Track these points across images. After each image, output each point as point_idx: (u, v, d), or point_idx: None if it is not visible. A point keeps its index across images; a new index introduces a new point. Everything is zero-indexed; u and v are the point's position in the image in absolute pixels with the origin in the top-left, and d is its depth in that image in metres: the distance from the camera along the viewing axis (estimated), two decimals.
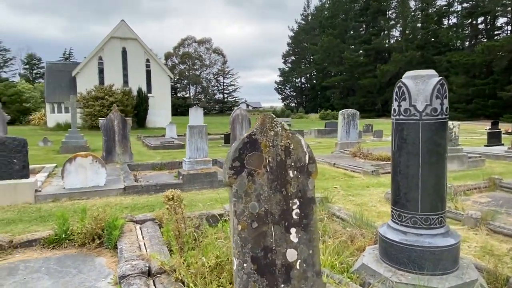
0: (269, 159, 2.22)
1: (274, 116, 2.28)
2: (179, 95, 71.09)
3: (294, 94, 76.67)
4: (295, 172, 2.30)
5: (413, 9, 54.14)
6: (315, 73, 69.22)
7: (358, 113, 12.07)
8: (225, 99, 77.98)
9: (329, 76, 63.35)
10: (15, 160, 5.73)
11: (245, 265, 2.15)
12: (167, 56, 72.30)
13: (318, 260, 2.37)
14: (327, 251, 3.24)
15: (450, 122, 8.73)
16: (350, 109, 12.08)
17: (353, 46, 58.77)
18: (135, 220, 4.31)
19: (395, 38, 58.00)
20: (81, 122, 25.09)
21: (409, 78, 2.73)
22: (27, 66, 66.25)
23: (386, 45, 56.49)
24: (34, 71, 65.63)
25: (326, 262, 3.22)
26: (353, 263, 3.21)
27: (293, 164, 2.29)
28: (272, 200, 2.23)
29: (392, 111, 2.86)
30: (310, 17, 71.88)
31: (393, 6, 56.81)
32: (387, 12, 57.16)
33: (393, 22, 57.06)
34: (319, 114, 48.75)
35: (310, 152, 2.36)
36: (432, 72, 2.70)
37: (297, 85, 75.80)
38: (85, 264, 3.45)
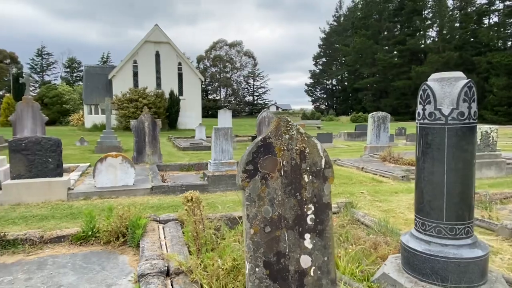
0: (284, 163, 2.19)
1: (289, 120, 2.25)
2: (210, 97, 72.23)
3: (325, 96, 75.75)
4: (311, 176, 2.25)
5: (450, 8, 51.98)
6: (346, 75, 68.03)
7: (389, 116, 11.72)
8: (255, 101, 78.35)
9: (361, 78, 62.00)
10: (50, 159, 6.03)
11: (257, 269, 2.13)
12: (199, 59, 73.71)
13: (334, 268, 2.30)
14: (345, 258, 3.15)
15: (487, 126, 8.28)
16: (380, 112, 11.74)
17: (386, 47, 57.24)
18: (158, 220, 4.40)
19: (431, 39, 55.94)
20: (116, 123, 26.07)
21: (434, 80, 2.61)
22: (68, 70, 69.84)
23: (422, 45, 54.55)
24: (74, 74, 69.04)
25: (346, 270, 3.13)
26: (374, 272, 3.10)
27: (308, 168, 2.24)
28: (286, 205, 2.20)
29: (416, 115, 2.75)
30: (342, 18, 70.81)
31: (429, 5, 54.80)
32: (423, 12, 55.22)
33: (429, 22, 55.05)
34: (350, 116, 47.84)
35: (327, 156, 2.30)
36: (459, 74, 2.57)
37: (328, 87, 74.83)
38: (109, 261, 3.56)
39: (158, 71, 30.09)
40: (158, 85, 29.75)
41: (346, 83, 68.13)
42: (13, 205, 5.63)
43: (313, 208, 2.25)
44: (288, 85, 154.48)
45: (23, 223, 4.67)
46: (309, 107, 76.57)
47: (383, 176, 8.28)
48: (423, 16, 55.18)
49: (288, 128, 2.23)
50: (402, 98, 52.37)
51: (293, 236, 2.21)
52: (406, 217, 5.15)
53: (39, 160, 5.98)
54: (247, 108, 75.54)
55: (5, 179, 6.23)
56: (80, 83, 54.76)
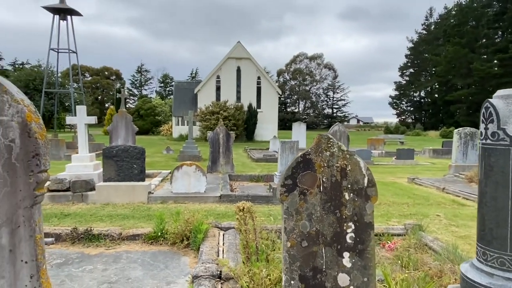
0: (323, 179, 2.23)
1: (331, 137, 2.29)
2: (288, 109, 72.96)
3: (411, 109, 70.84)
4: (352, 194, 2.24)
5: None
6: (437, 86, 62.89)
7: (478, 132, 10.59)
8: (334, 114, 76.87)
9: (454, 90, 56.70)
10: (135, 166, 6.79)
11: (292, 282, 2.19)
12: (279, 73, 75.20)
13: None
14: (399, 282, 3.00)
15: None
16: (468, 128, 10.69)
17: (485, 56, 51.59)
18: (220, 227, 4.67)
19: None
20: (199, 134, 27.94)
21: (499, 97, 2.41)
22: (162, 85, 77.13)
23: None
24: (167, 89, 75.86)
25: None
26: None
27: (349, 186, 2.24)
28: (325, 221, 2.22)
29: (479, 134, 2.55)
30: (432, 26, 66.04)
31: None
32: None
33: None
34: (439, 131, 44.00)
35: (370, 175, 2.27)
36: None
37: (415, 99, 69.96)
38: (172, 261, 3.90)
39: (238, 85, 31.57)
40: (238, 98, 31.18)
41: (436, 95, 62.94)
42: (103, 204, 6.47)
43: (353, 227, 2.24)
44: (371, 97, 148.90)
45: (108, 220, 5.35)
46: (394, 120, 72.38)
47: (467, 199, 7.51)
48: None
49: (329, 145, 2.26)
50: None
51: (331, 253, 2.21)
52: None
53: (126, 165, 6.78)
54: (325, 121, 74.44)
55: (98, 181, 7.19)
56: (171, 96, 59.97)
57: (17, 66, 57.58)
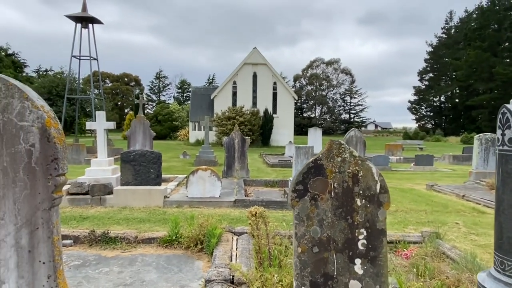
0: (335, 185, 2.23)
1: (342, 142, 2.28)
2: (304, 115, 72.68)
3: (431, 114, 69.36)
4: (363, 200, 2.23)
5: None
6: (457, 91, 61.45)
7: None
8: (352, 119, 76.09)
9: (476, 94, 55.29)
10: (151, 170, 6.90)
11: None
12: (296, 78, 75.11)
13: None
14: None
15: None
16: (490, 134, 10.40)
17: (507, 60, 50.21)
18: (233, 232, 4.69)
19: None
20: (215, 139, 28.15)
21: None
22: (179, 90, 78.15)
23: None
24: (185, 94, 76.83)
25: None
26: None
27: (361, 192, 2.23)
28: (336, 227, 2.22)
29: (496, 140, 2.49)
30: (453, 30, 64.74)
31: None
32: None
33: None
34: (460, 137, 42.94)
35: (382, 181, 2.25)
36: None
37: (434, 104, 68.47)
38: (186, 265, 3.94)
39: (254, 91, 31.70)
40: (254, 104, 31.29)
41: (456, 100, 61.47)
42: (120, 207, 6.60)
43: (365, 233, 2.22)
44: (389, 102, 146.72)
45: (125, 223, 5.46)
46: (413, 125, 71.08)
47: (487, 207, 7.29)
48: None
49: (341, 150, 2.26)
50: None
51: (342, 260, 2.20)
52: None
53: (143, 170, 6.90)
54: (342, 126, 73.74)
55: (116, 185, 7.34)
56: (188, 102, 60.74)
57: (41, 73, 59.59)
